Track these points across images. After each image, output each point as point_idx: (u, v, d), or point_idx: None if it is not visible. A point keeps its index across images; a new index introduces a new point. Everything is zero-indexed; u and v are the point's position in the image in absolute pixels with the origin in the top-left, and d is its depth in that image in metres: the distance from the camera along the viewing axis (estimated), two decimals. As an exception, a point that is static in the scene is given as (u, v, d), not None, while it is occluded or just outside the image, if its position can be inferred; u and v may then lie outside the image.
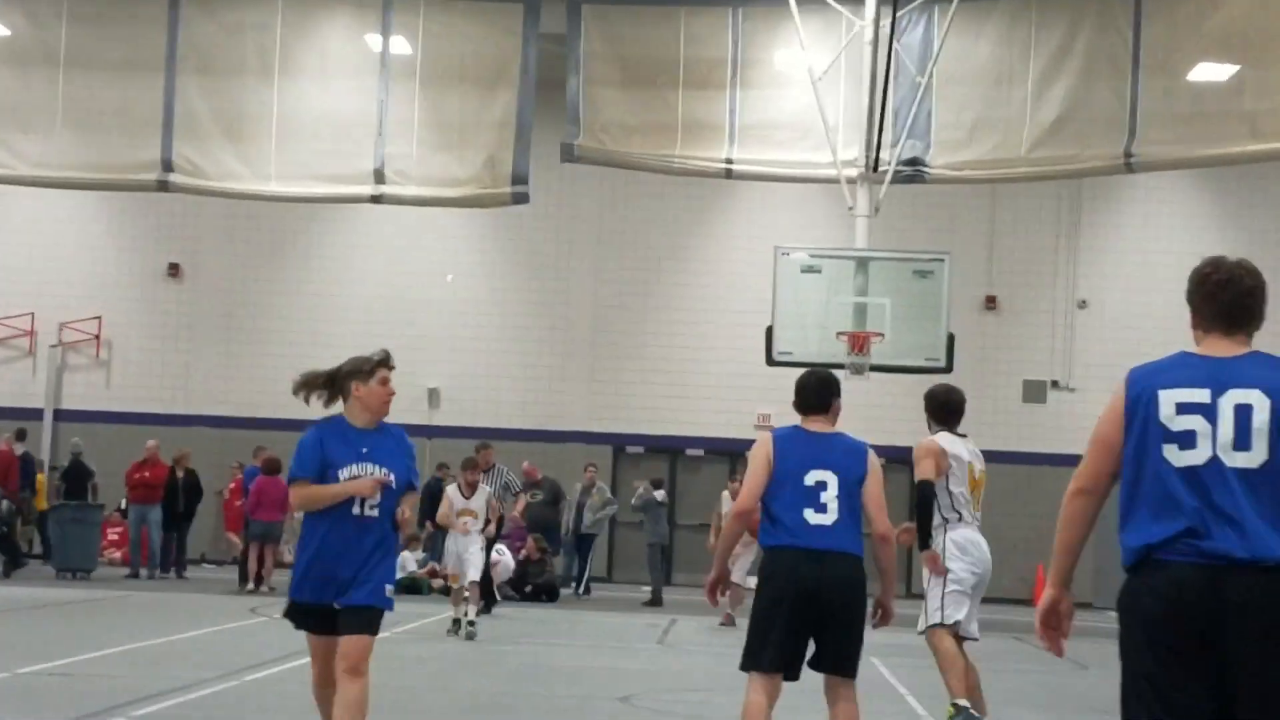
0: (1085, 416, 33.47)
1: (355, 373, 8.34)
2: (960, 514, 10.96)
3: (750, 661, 8.13)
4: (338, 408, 8.34)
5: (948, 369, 25.13)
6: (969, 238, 33.50)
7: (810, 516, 8.04)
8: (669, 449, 32.99)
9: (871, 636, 8.46)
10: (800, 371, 8.86)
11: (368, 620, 7.94)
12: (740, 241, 33.83)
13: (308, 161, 27.30)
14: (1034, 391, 34.22)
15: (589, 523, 28.97)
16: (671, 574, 30.69)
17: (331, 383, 8.36)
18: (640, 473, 31.51)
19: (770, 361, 24.93)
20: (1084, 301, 34.25)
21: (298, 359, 34.47)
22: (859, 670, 8.17)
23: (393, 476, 8.12)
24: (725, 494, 25.17)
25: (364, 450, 8.11)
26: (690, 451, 33.10)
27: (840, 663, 8.13)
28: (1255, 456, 5.16)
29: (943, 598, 10.81)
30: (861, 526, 8.20)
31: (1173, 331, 36.41)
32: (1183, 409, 5.23)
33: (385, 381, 8.30)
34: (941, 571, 10.81)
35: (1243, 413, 5.20)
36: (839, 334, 24.66)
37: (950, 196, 32.33)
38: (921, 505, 10.88)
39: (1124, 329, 33.63)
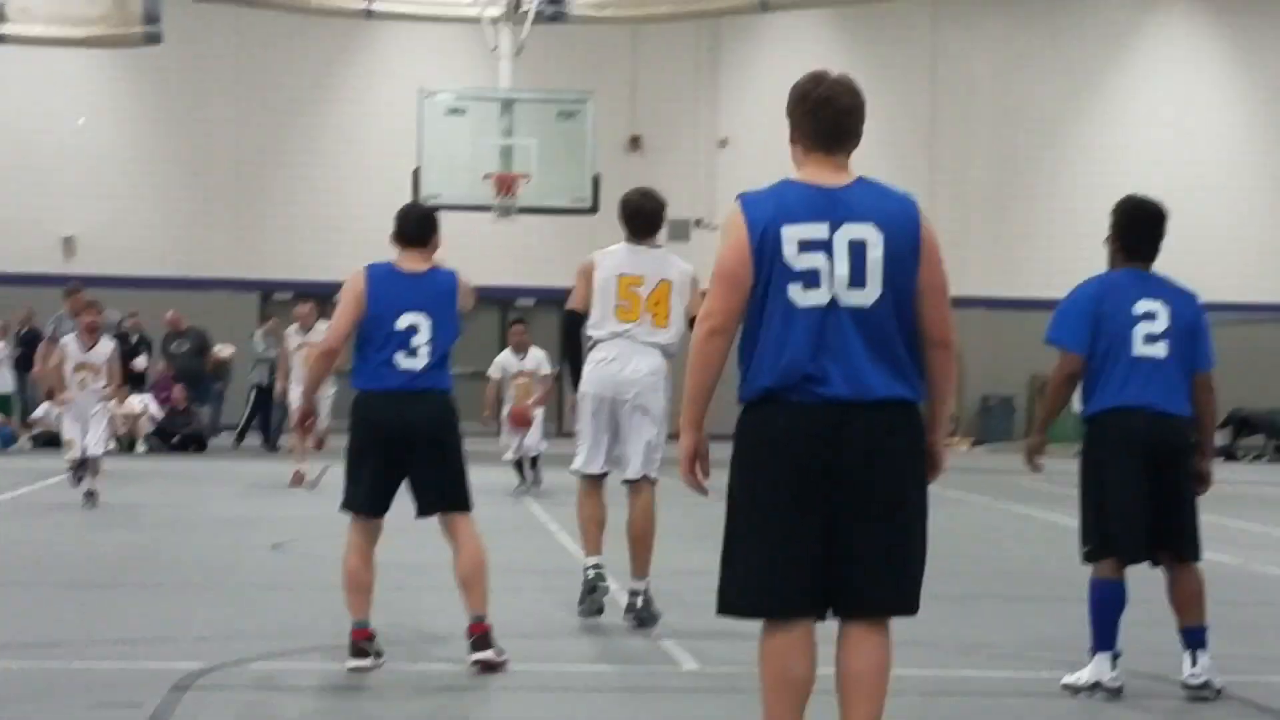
0: (727, 252, 34.35)
1: None
2: (603, 330, 9.46)
3: (346, 504, 8.16)
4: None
5: (594, 209, 25.47)
6: (612, 77, 33.74)
7: (400, 360, 8.01)
8: (318, 294, 32.63)
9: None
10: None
11: None
12: (383, 82, 33.45)
13: (-76, 0, 25.96)
14: (678, 230, 34.77)
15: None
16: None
17: None
18: (291, 319, 31.17)
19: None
20: (725, 140, 34.90)
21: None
22: (471, 503, 8.22)
23: None
24: None
25: None
26: (336, 298, 32.80)
27: (447, 499, 8.13)
28: (869, 294, 5.18)
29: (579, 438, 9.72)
30: (449, 350, 8.17)
31: (809, 168, 37.42)
32: (805, 246, 5.17)
33: None
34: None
35: (857, 249, 5.18)
36: (486, 176, 24.73)
37: (593, 37, 32.46)
38: (564, 340, 9.78)
39: (764, 167, 34.15)
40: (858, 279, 5.17)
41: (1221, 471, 27.72)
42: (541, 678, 8.15)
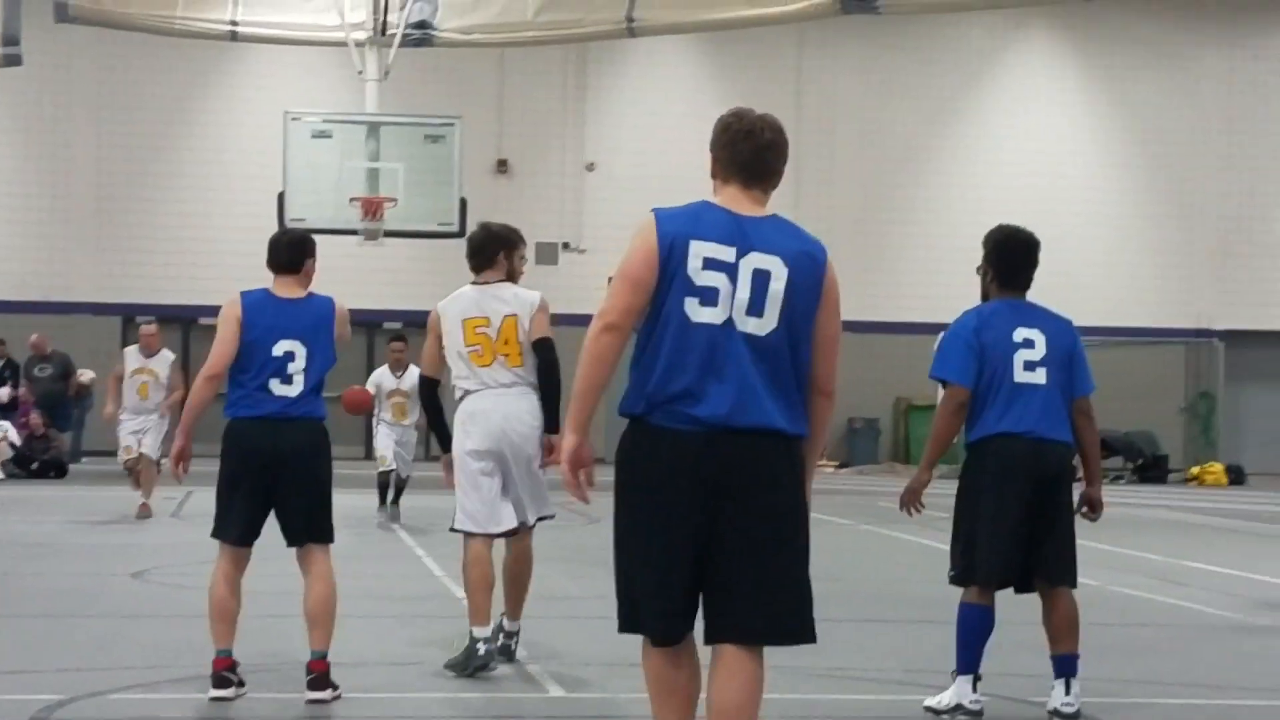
0: (596, 277, 34.40)
1: None
2: (469, 381, 8.98)
3: (217, 532, 8.15)
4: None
5: (461, 233, 25.40)
6: (479, 101, 33.72)
7: (275, 387, 8.02)
8: (182, 318, 32.29)
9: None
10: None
11: None
12: (249, 105, 33.19)
13: None
14: (546, 254, 34.84)
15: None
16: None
17: None
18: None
19: (283, 228, 24.64)
20: (592, 164, 34.99)
21: None
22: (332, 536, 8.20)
23: None
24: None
25: None
26: (204, 320, 32.49)
27: (313, 530, 8.12)
28: (765, 324, 5.23)
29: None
30: (324, 378, 8.19)
31: (677, 192, 37.54)
32: (709, 264, 5.22)
33: None
34: (450, 484, 9.05)
35: (760, 278, 5.24)
36: (352, 199, 24.60)
37: (460, 60, 32.43)
38: (425, 407, 9.45)
39: (630, 190, 34.51)
40: (756, 307, 5.23)
41: (1127, 494, 28.07)
42: (408, 705, 8.14)
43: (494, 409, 8.89)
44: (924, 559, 16.11)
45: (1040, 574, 7.93)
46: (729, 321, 5.20)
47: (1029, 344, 7.94)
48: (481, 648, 8.65)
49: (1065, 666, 7.91)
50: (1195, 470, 32.93)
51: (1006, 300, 8.08)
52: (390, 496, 18.75)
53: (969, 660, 7.90)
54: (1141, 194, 36.24)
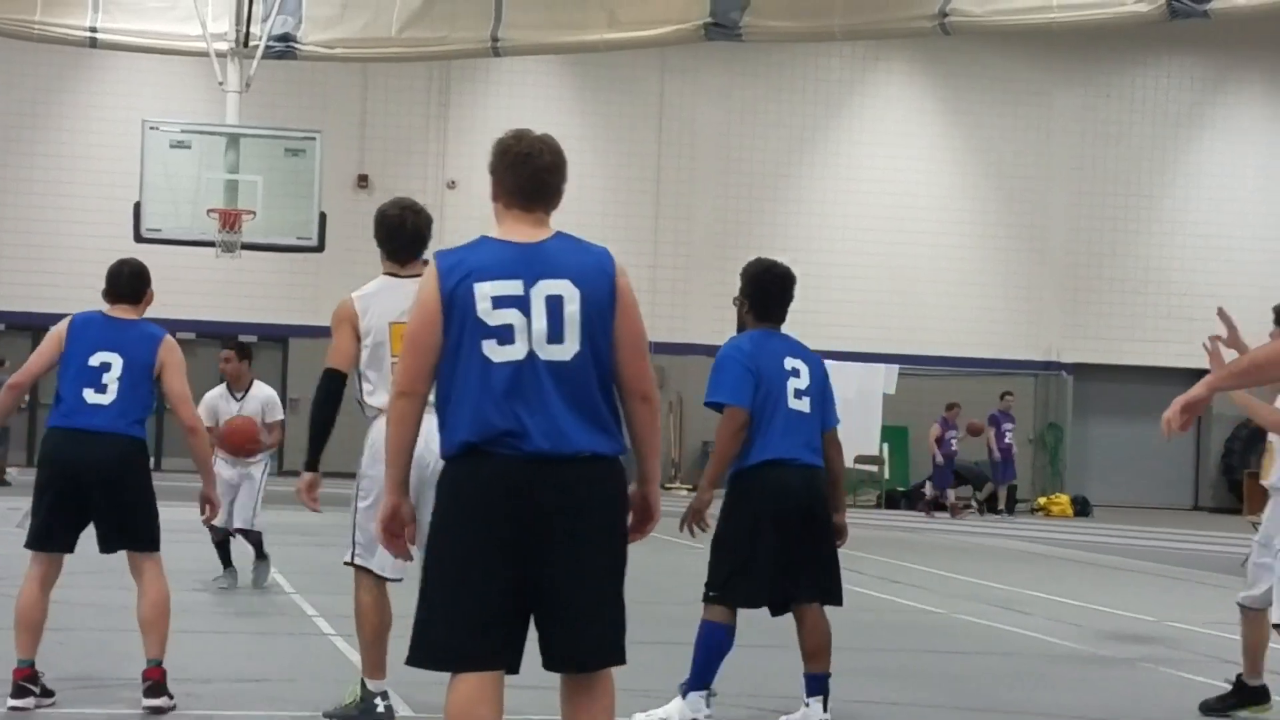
0: (453, 294, 34.36)
1: None
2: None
3: (29, 541, 8.17)
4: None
5: (320, 248, 25.31)
6: (341, 116, 33.58)
7: (89, 396, 8.04)
8: (30, 326, 31.78)
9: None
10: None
11: None
12: (106, 112, 32.77)
13: None
14: (404, 269, 34.77)
15: None
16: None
17: None
18: (7, 351, 30.31)
19: (138, 238, 24.39)
20: (454, 181, 34.94)
21: None
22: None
23: None
24: None
25: None
26: (52, 329, 31.96)
27: (127, 538, 8.13)
28: (568, 349, 5.21)
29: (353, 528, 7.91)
30: (146, 411, 8.21)
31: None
32: (499, 303, 5.20)
33: None
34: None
35: (554, 304, 5.22)
36: (210, 211, 24.38)
37: (323, 74, 32.29)
38: (322, 408, 7.77)
39: (490, 209, 34.47)
40: (555, 334, 5.22)
41: (933, 521, 28.65)
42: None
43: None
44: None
45: (805, 595, 8.13)
46: (531, 354, 5.20)
47: (796, 373, 8.22)
48: (381, 704, 7.84)
49: (820, 685, 8.12)
50: (1043, 500, 33.51)
51: (770, 331, 8.37)
52: (254, 567, 13.97)
53: (706, 677, 8.09)
54: (993, 227, 36.87)
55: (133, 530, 8.13)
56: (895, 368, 31.96)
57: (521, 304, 5.22)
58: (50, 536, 8.08)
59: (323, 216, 24.86)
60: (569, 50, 29.66)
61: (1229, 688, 9.51)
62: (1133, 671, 11.35)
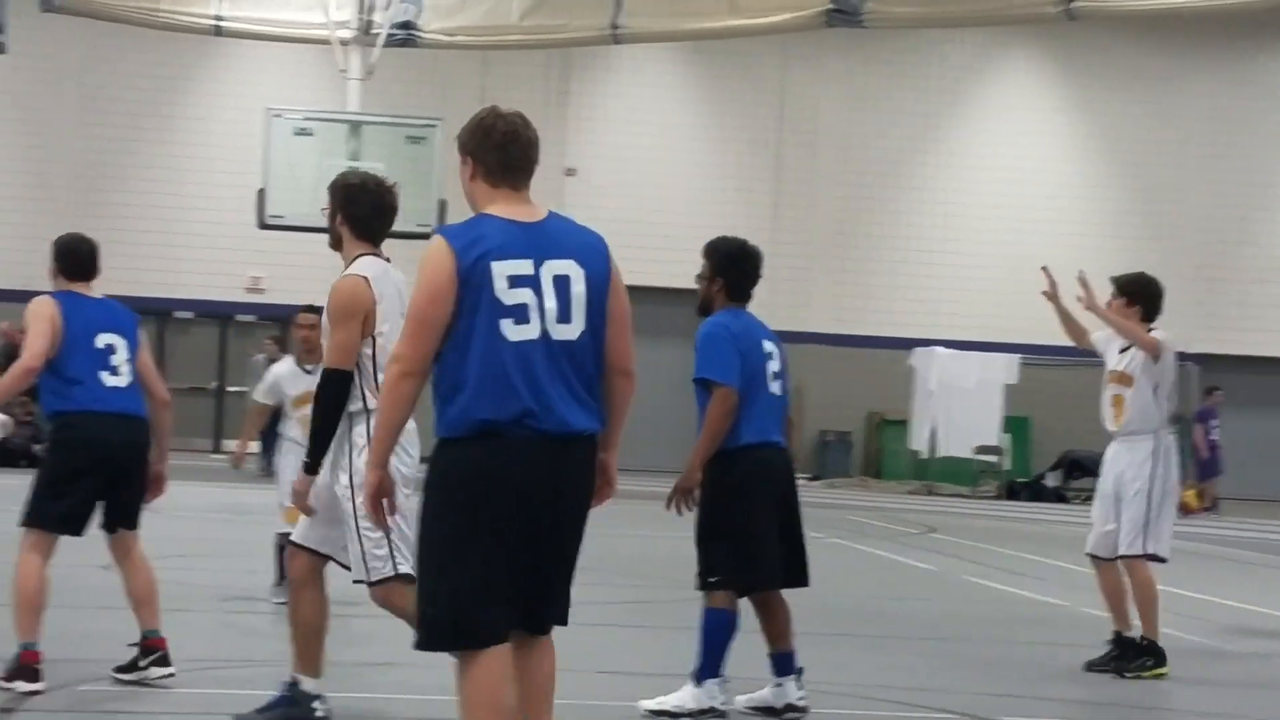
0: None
1: None
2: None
3: (37, 519, 8.03)
4: None
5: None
6: (461, 103, 33.39)
7: (106, 379, 8.06)
8: (157, 311, 32.20)
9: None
10: None
11: None
12: (231, 100, 33.11)
13: None
14: (523, 257, 34.84)
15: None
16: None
17: None
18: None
19: (262, 225, 24.65)
20: (572, 169, 34.96)
21: None
22: None
23: None
24: None
25: None
26: (179, 314, 32.42)
27: (129, 517, 8.22)
28: (575, 328, 5.28)
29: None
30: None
31: (655, 200, 37.80)
32: (514, 282, 5.21)
33: None
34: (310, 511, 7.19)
35: (562, 284, 5.27)
36: (323, 209, 24.53)
37: (443, 61, 32.40)
38: (331, 409, 7.01)
39: (609, 196, 34.53)
40: (564, 314, 5.27)
41: (1052, 513, 28.33)
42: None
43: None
44: (895, 574, 16.13)
45: (791, 579, 8.21)
46: (545, 333, 5.24)
47: (771, 356, 8.22)
48: (320, 708, 7.28)
49: (789, 663, 8.15)
50: (1169, 494, 32.92)
51: (744, 311, 8.26)
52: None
53: (716, 664, 8.02)
54: (1119, 216, 36.36)
55: (134, 510, 8.25)
56: (1017, 357, 31.55)
57: (534, 283, 5.24)
58: (82, 520, 8.08)
59: (442, 204, 24.96)
60: (689, 38, 29.59)
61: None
62: (1264, 666, 11.12)
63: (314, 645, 7.21)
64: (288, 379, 11.29)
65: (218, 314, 32.00)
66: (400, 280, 7.25)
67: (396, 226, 25.45)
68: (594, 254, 5.38)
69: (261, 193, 24.69)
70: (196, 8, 26.39)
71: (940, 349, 31.57)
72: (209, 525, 17.69)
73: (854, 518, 23.44)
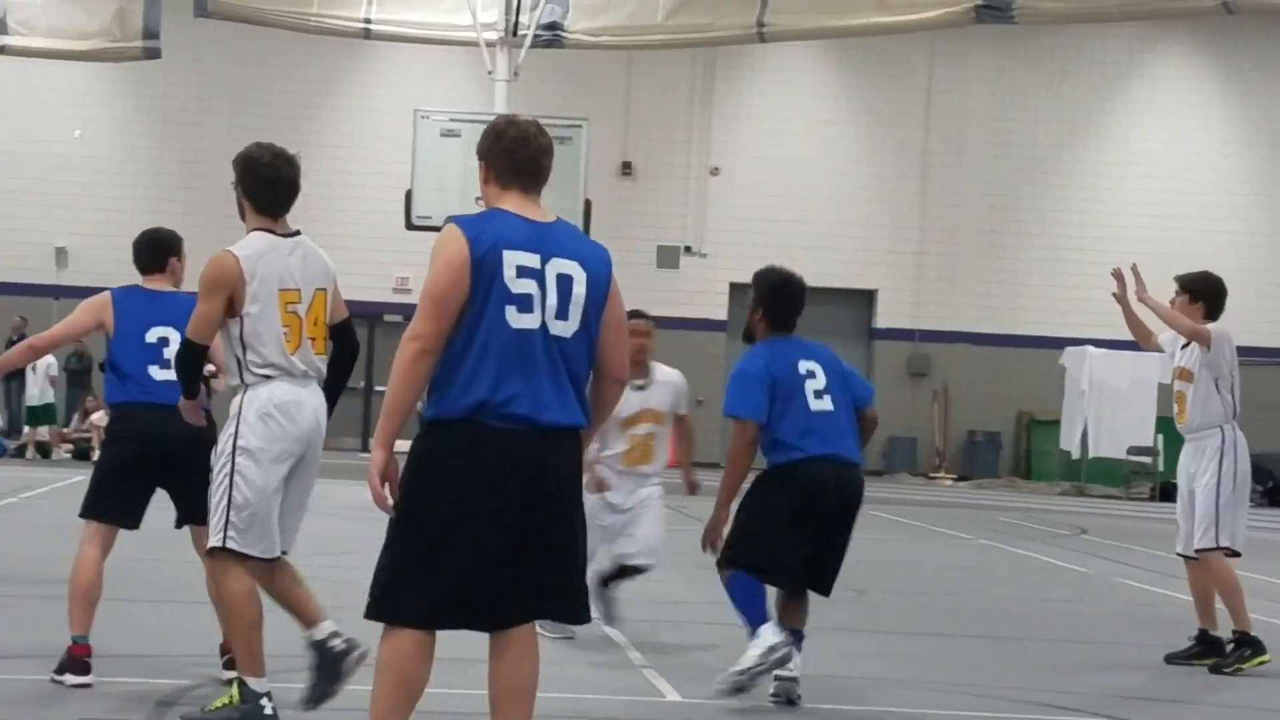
0: (716, 281, 34.41)
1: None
2: (274, 367, 7.06)
3: (92, 510, 8.02)
4: None
5: (585, 234, 25.51)
6: (605, 103, 33.80)
7: (156, 373, 8.10)
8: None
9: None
10: None
11: None
12: (379, 103, 33.49)
13: (-79, 8, 25.99)
14: (668, 257, 34.88)
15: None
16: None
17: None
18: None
19: (410, 225, 24.86)
20: (716, 168, 34.94)
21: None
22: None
23: None
24: None
25: None
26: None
27: (201, 514, 7.90)
28: (569, 327, 5.45)
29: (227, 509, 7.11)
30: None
31: (800, 199, 37.63)
32: (522, 272, 5.40)
33: None
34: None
35: (564, 282, 5.45)
36: (478, 198, 24.55)
37: (588, 62, 32.53)
38: (188, 379, 7.29)
39: (753, 195, 34.46)
40: (562, 311, 5.44)
41: (1256, 518, 27.44)
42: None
43: (298, 402, 7.11)
44: (1044, 576, 15.92)
45: (811, 583, 8.38)
46: (543, 325, 5.40)
47: (811, 374, 8.42)
48: (268, 705, 7.06)
49: (798, 637, 8.31)
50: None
51: (781, 338, 8.51)
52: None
53: (759, 613, 8.15)
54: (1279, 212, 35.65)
55: (201, 505, 7.91)
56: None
57: (538, 277, 5.42)
58: (135, 512, 8.08)
59: (587, 204, 25.02)
60: (836, 35, 29.39)
61: None
62: None
63: (258, 641, 7.17)
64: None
65: (365, 314, 32.37)
66: (308, 259, 7.29)
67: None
68: (597, 260, 5.54)
69: (409, 194, 24.90)
70: (347, 11, 26.68)
71: (1092, 348, 31.13)
72: (359, 523, 17.85)
73: (1003, 519, 23.18)
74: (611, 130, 33.55)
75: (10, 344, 28.98)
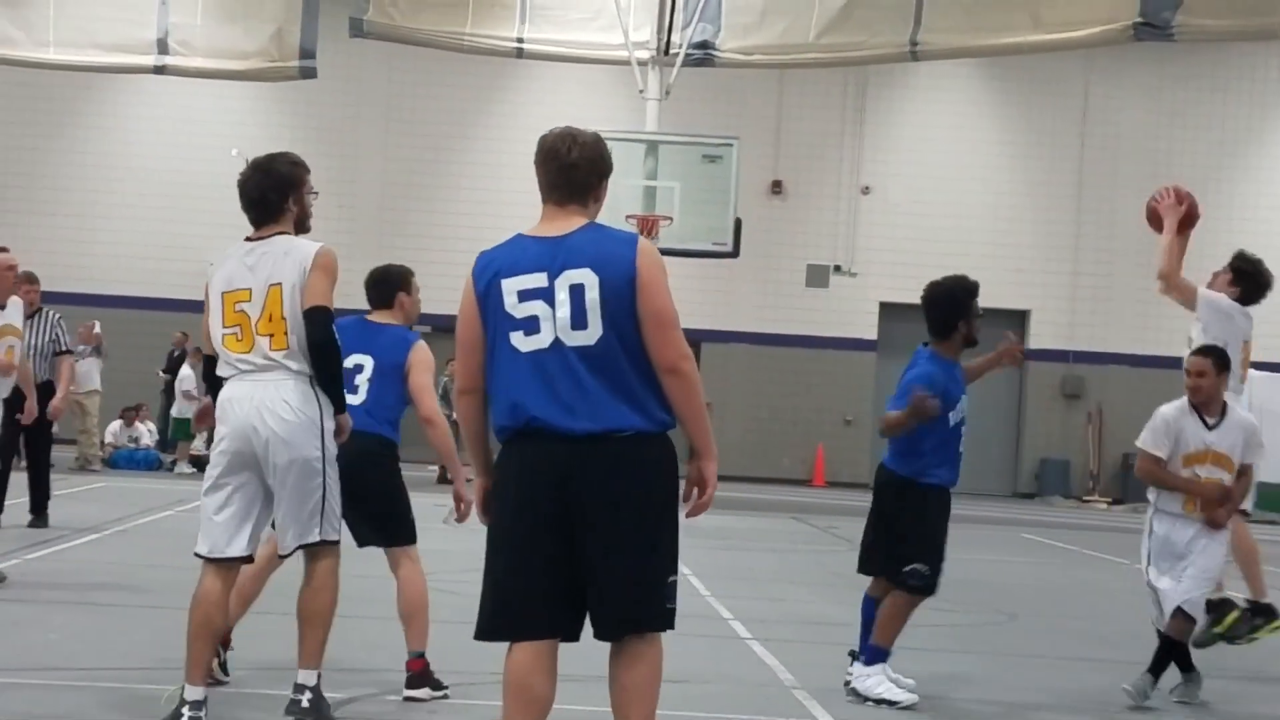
0: (866, 300, 34.23)
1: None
2: (222, 371, 7.41)
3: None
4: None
5: (734, 253, 25.45)
6: (757, 122, 33.75)
7: (347, 397, 8.01)
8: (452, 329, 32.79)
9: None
10: None
11: None
12: (530, 121, 33.61)
13: (88, 28, 26.58)
14: (817, 276, 34.73)
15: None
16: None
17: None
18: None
19: (559, 243, 24.95)
20: (867, 187, 34.75)
21: (73, 232, 33.77)
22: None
23: None
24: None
25: None
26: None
27: (379, 534, 8.43)
28: (591, 334, 5.48)
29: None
30: (396, 411, 8.39)
31: (951, 218, 37.22)
32: (524, 296, 5.55)
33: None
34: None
35: (577, 292, 5.50)
36: (628, 217, 24.77)
37: (739, 80, 32.50)
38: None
39: (905, 214, 34.22)
40: (579, 321, 5.49)
41: None
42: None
43: (245, 398, 7.22)
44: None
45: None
46: (556, 341, 5.49)
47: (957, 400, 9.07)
48: (187, 713, 7.02)
49: (878, 655, 8.82)
50: None
51: (944, 358, 9.09)
52: None
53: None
54: None
55: (382, 527, 8.28)
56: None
57: (546, 295, 5.53)
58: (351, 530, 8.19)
59: (738, 222, 24.99)
60: (990, 53, 29.11)
61: None
62: None
63: (203, 649, 7.12)
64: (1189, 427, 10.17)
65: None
66: (267, 257, 7.43)
67: (694, 245, 25.15)
68: (612, 261, 5.52)
69: (558, 212, 25.02)
70: (500, 30, 26.89)
71: (1255, 371, 30.51)
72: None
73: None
74: (762, 149, 33.49)
75: (171, 358, 29.47)
